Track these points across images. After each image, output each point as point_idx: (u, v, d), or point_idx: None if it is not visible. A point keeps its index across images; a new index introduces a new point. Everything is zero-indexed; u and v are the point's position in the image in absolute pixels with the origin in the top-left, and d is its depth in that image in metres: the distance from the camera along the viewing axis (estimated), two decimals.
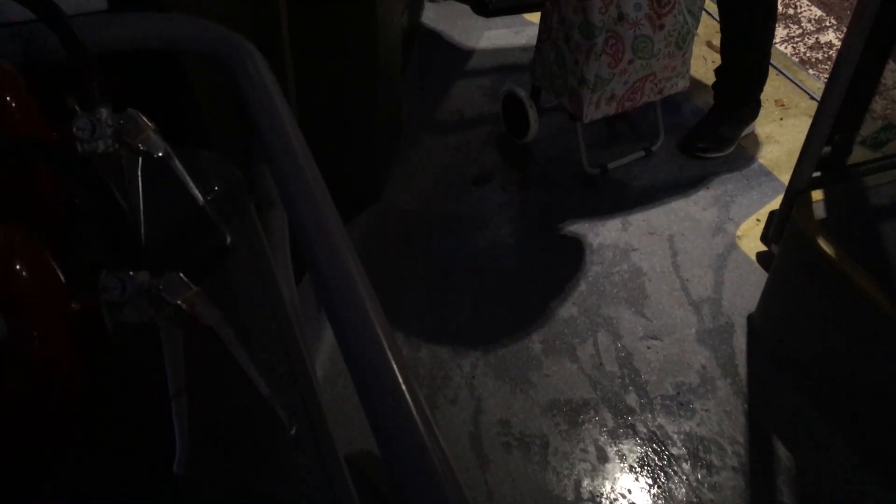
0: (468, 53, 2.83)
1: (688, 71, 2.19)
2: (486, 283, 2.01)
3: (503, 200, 2.25)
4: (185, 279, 0.59)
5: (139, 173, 0.72)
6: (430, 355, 1.83)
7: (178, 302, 0.58)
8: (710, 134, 2.36)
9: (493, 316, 1.92)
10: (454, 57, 2.82)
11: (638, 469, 1.62)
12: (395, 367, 0.53)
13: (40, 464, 0.57)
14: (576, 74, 2.03)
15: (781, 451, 1.65)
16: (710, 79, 2.45)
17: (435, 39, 2.90)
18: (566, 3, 1.97)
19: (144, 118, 0.72)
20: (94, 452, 0.63)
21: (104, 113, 0.70)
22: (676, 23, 2.02)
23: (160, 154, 0.72)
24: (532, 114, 2.28)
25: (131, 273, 0.56)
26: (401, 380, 0.53)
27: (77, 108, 0.69)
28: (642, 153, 2.36)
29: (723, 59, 2.32)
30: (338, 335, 0.57)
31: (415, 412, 0.51)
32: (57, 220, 0.71)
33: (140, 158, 0.72)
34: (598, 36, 1.93)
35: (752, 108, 2.38)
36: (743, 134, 2.40)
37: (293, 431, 0.66)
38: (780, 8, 3.09)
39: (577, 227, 2.16)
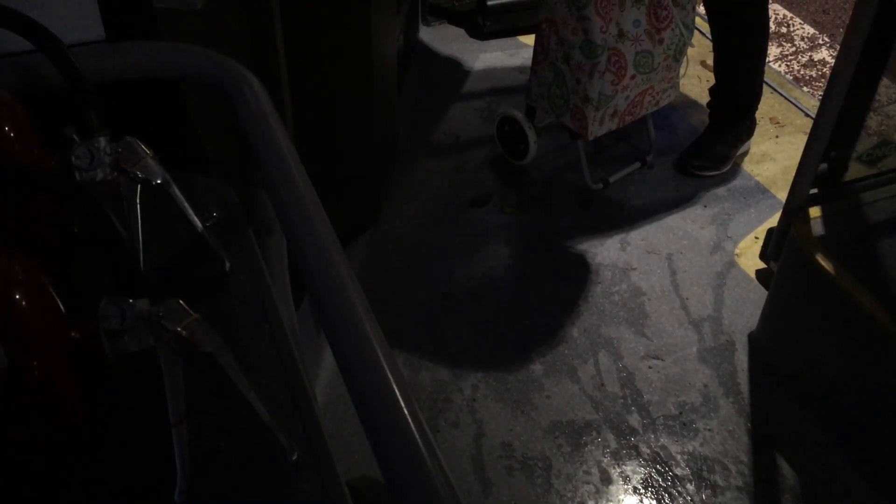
0: (463, 76, 2.85)
1: (679, 79, 2.20)
2: (485, 305, 2.00)
3: (501, 222, 2.25)
4: (185, 306, 0.59)
5: (138, 200, 0.72)
6: (431, 378, 1.82)
7: (178, 329, 0.58)
8: (706, 152, 2.37)
9: (492, 338, 1.92)
10: (450, 80, 2.83)
11: (642, 490, 1.61)
12: (396, 390, 0.53)
13: (41, 493, 0.57)
14: (578, 93, 2.04)
15: (785, 470, 1.64)
16: (704, 98, 2.47)
17: (430, 63, 2.92)
18: (564, 24, 1.99)
19: (143, 145, 0.72)
20: (94, 481, 0.62)
21: (103, 141, 0.70)
22: (674, 36, 2.04)
23: (159, 181, 0.72)
24: (531, 135, 2.29)
25: (131, 300, 0.56)
26: (402, 403, 0.52)
27: (75, 137, 0.70)
28: (638, 164, 2.38)
29: (717, 78, 2.33)
30: (338, 359, 0.57)
31: (417, 436, 0.51)
32: (56, 248, 0.71)
33: (139, 186, 0.72)
34: (601, 55, 1.95)
35: (747, 126, 2.39)
36: (739, 152, 2.41)
37: (294, 457, 0.66)
38: (772, 26, 3.13)
39: (576, 248, 2.16)
